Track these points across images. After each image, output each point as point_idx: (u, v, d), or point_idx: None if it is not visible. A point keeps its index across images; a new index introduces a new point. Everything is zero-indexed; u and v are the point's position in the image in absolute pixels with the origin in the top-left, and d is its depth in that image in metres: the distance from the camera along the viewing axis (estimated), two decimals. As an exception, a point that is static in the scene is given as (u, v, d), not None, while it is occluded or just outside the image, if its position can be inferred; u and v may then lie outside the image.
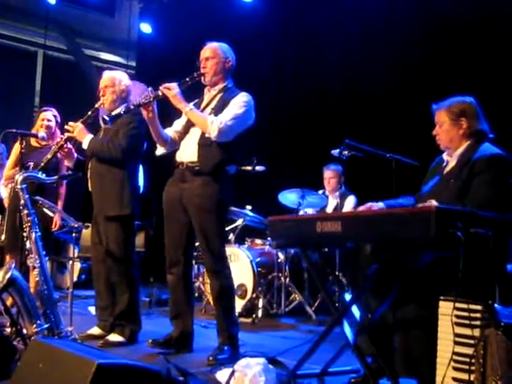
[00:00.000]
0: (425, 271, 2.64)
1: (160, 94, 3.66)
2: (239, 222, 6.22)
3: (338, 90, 7.11)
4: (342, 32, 6.99)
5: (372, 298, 2.92)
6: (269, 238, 5.76)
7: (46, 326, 3.30)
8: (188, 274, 3.92)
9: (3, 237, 4.86)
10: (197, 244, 3.88)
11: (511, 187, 2.83)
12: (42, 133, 4.90)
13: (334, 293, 4.89)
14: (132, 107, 3.79)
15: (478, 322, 2.21)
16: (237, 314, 5.32)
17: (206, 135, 3.66)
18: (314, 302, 5.74)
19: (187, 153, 3.77)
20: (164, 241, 3.92)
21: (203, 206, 3.68)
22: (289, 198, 5.88)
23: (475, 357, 2.17)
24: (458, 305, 2.27)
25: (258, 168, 5.94)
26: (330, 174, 6.16)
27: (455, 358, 2.25)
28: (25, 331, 3.25)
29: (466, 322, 2.23)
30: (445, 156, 3.11)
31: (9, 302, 3.67)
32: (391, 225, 2.49)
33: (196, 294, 6.20)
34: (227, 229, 6.35)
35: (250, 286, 5.63)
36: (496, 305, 2.22)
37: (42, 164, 4.06)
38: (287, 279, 5.69)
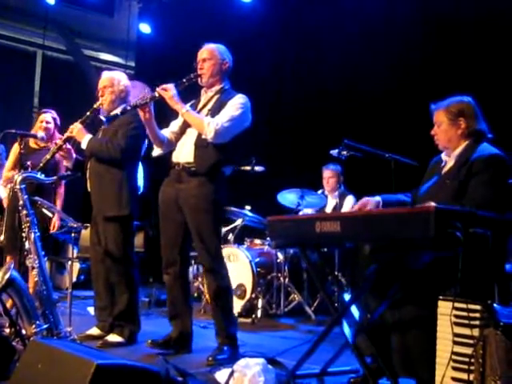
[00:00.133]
0: (424, 271, 2.65)
1: (157, 95, 3.67)
2: (238, 222, 6.22)
3: (337, 90, 7.11)
4: (342, 32, 6.99)
5: (371, 298, 2.92)
6: (268, 238, 5.76)
7: (45, 326, 3.30)
8: (184, 273, 3.91)
9: (2, 237, 4.86)
10: (194, 244, 3.87)
11: (509, 187, 2.83)
12: (41, 133, 4.90)
13: (333, 293, 4.89)
14: (129, 108, 3.80)
15: (477, 322, 2.21)
16: (236, 314, 5.35)
17: (203, 136, 3.66)
18: (313, 302, 5.74)
19: (183, 153, 3.77)
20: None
21: (199, 207, 3.68)
22: (288, 198, 5.89)
23: (474, 357, 2.17)
24: (457, 305, 2.27)
25: (257, 168, 5.95)
26: (328, 174, 6.16)
27: (454, 357, 2.25)
28: (24, 332, 3.25)
29: (465, 321, 2.23)
30: (443, 156, 3.11)
31: (8, 303, 3.67)
32: (390, 225, 2.49)
33: (195, 295, 6.21)
34: (226, 229, 6.37)
35: (249, 286, 5.63)
36: (495, 304, 2.21)
37: (41, 164, 4.06)
38: (286, 279, 5.69)
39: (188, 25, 8.31)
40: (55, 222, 5.05)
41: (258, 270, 5.77)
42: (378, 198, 3.10)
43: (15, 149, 5.22)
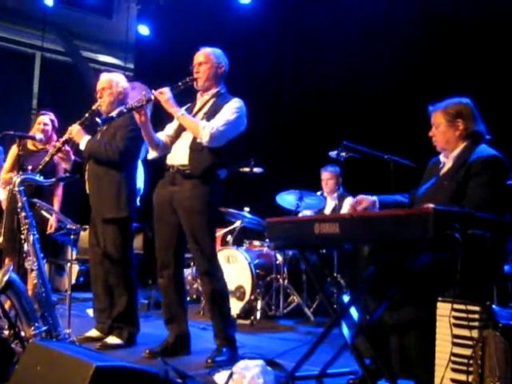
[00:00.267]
0: (423, 272, 2.65)
1: (152, 97, 3.67)
2: (237, 223, 6.22)
3: (336, 90, 7.11)
4: (341, 32, 6.98)
5: (370, 300, 2.92)
6: (267, 240, 5.76)
7: (44, 328, 3.30)
8: (179, 275, 3.91)
9: (1, 239, 4.86)
10: (188, 246, 3.87)
11: (507, 189, 2.83)
12: (39, 135, 4.91)
13: (332, 294, 4.87)
14: (125, 111, 3.80)
15: (476, 323, 2.21)
16: (235, 316, 5.36)
17: (198, 140, 3.66)
18: (312, 303, 5.74)
19: (178, 156, 3.78)
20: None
21: (193, 208, 3.68)
22: (287, 199, 5.88)
23: (473, 358, 2.17)
24: (456, 306, 2.27)
25: (255, 169, 5.94)
26: (327, 176, 6.15)
27: (453, 359, 2.25)
28: (23, 334, 3.25)
29: (464, 323, 2.23)
30: (441, 157, 3.11)
31: (7, 304, 3.67)
32: (389, 226, 2.50)
33: (194, 296, 6.21)
34: (225, 231, 6.37)
35: (248, 288, 5.63)
36: (494, 306, 2.22)
37: (40, 167, 4.06)
38: (285, 281, 5.69)
39: (187, 26, 8.31)
40: (52, 223, 5.05)
41: (257, 271, 5.77)
42: (374, 198, 3.10)
43: (13, 150, 5.22)
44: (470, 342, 2.20)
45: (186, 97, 3.93)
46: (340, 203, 5.97)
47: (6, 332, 3.32)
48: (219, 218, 4.44)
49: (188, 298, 5.37)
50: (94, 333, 4.19)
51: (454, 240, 2.32)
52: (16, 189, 3.54)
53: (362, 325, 2.87)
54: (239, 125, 3.77)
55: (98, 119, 3.88)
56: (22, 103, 9.70)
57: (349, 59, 6.96)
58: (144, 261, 5.84)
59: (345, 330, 2.89)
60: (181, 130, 3.83)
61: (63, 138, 4.10)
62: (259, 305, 5.57)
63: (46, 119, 5.29)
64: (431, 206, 2.36)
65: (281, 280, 5.67)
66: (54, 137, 5.25)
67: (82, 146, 4.07)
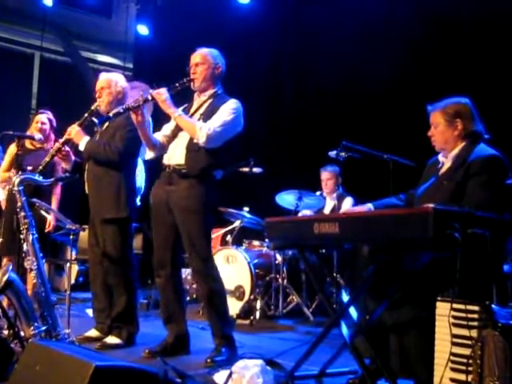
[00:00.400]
0: (422, 272, 2.65)
1: (150, 98, 3.67)
2: (237, 223, 6.22)
3: (335, 90, 7.11)
4: (341, 32, 6.98)
5: (370, 299, 2.92)
6: (266, 240, 5.76)
7: (44, 328, 3.30)
8: (177, 275, 3.91)
9: (0, 239, 4.85)
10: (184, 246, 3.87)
11: (507, 188, 2.83)
12: (38, 135, 4.91)
13: (331, 294, 4.89)
14: (121, 110, 3.80)
15: (475, 323, 2.21)
16: (234, 316, 5.36)
17: (195, 140, 3.66)
18: (311, 303, 5.74)
19: (175, 156, 3.78)
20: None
21: (189, 208, 3.68)
22: (286, 199, 5.89)
23: (473, 357, 2.17)
24: (456, 305, 2.27)
25: (255, 169, 5.95)
26: (327, 176, 6.16)
27: (453, 358, 2.25)
28: (22, 333, 3.25)
29: (464, 322, 2.23)
30: (440, 157, 3.11)
31: (5, 303, 3.66)
32: (389, 226, 2.49)
33: (194, 296, 6.21)
34: (225, 230, 6.37)
35: (247, 288, 5.63)
36: (493, 305, 2.22)
37: (41, 167, 4.05)
38: (285, 281, 5.69)
39: (186, 26, 8.31)
40: (50, 221, 5.05)
41: (257, 271, 5.77)
42: (369, 206, 3.11)
43: (11, 149, 5.22)
44: (470, 342, 2.20)
45: (183, 97, 3.93)
46: (339, 203, 5.97)
47: (6, 332, 3.32)
48: (215, 218, 4.44)
49: (188, 298, 5.38)
50: (93, 333, 4.19)
51: (454, 239, 2.33)
52: (15, 188, 3.54)
53: (362, 324, 2.87)
54: (236, 125, 3.77)
55: (94, 119, 3.89)
56: (21, 103, 9.69)
57: (348, 59, 6.96)
58: (143, 261, 5.84)
59: (344, 329, 2.90)
60: (177, 130, 3.83)
61: (63, 139, 4.10)
62: (258, 304, 5.57)
63: (44, 118, 5.29)
64: (431, 205, 2.36)
65: (280, 280, 5.67)
66: (52, 136, 5.26)
67: (82, 147, 4.07)
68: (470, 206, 2.62)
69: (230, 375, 2.84)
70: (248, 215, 6.04)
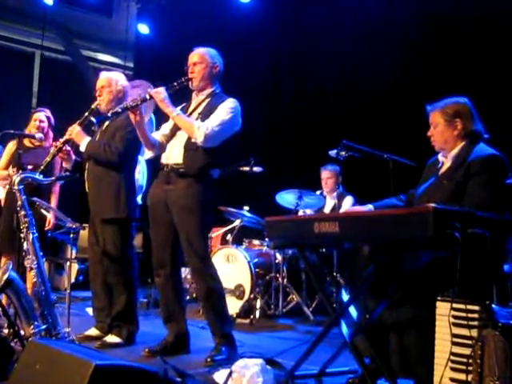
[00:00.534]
0: (422, 271, 2.65)
1: (148, 97, 3.67)
2: (237, 222, 6.22)
3: (336, 90, 7.11)
4: (341, 32, 6.98)
5: (370, 299, 2.92)
6: (266, 239, 5.76)
7: (44, 327, 3.30)
8: (176, 274, 3.91)
9: None
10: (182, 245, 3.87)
11: (507, 188, 2.83)
12: (39, 134, 4.91)
13: (331, 293, 4.90)
14: (120, 110, 3.80)
15: (475, 323, 2.21)
16: (234, 315, 5.36)
17: (192, 140, 3.66)
18: (311, 302, 5.74)
19: (173, 155, 3.78)
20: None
21: (187, 207, 3.69)
22: (286, 198, 5.89)
23: (473, 357, 2.17)
24: (456, 305, 2.27)
25: (255, 169, 5.96)
26: (327, 175, 6.16)
27: (453, 358, 2.25)
28: (22, 332, 3.25)
29: (464, 322, 2.23)
30: (440, 157, 3.11)
31: (3, 300, 3.67)
32: (389, 225, 2.49)
33: (194, 295, 6.20)
34: (225, 229, 6.37)
35: (247, 287, 5.63)
36: (493, 305, 2.22)
37: (42, 167, 4.05)
38: (285, 280, 5.69)
39: (186, 25, 8.31)
40: (50, 220, 5.05)
41: (257, 270, 5.77)
42: (369, 206, 3.11)
43: (10, 147, 5.22)
44: (470, 342, 2.20)
45: (181, 96, 3.93)
46: (340, 202, 5.98)
47: (6, 330, 3.32)
48: (214, 217, 4.45)
49: (187, 297, 5.38)
50: (93, 331, 4.19)
51: (454, 239, 2.32)
52: (15, 187, 3.54)
53: (362, 324, 2.88)
54: (234, 125, 3.77)
55: (92, 118, 3.89)
56: (22, 102, 9.68)
57: (348, 59, 6.95)
58: (143, 259, 5.84)
59: (344, 328, 2.90)
60: (176, 129, 3.83)
61: (64, 138, 4.10)
62: (258, 304, 5.57)
63: (42, 116, 5.28)
64: (431, 204, 2.36)
65: (280, 279, 5.68)
66: (51, 133, 5.25)
67: (83, 148, 4.07)
68: (470, 205, 2.63)
69: (230, 374, 2.84)
70: (248, 214, 6.04)
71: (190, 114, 3.83)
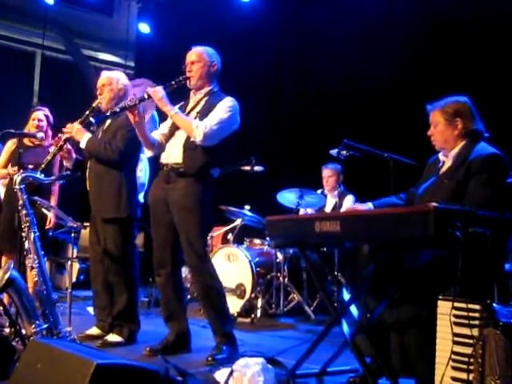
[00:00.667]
0: (423, 271, 2.65)
1: (146, 96, 3.67)
2: (238, 221, 6.22)
3: (336, 89, 7.11)
4: (342, 31, 6.98)
5: (370, 298, 2.92)
6: (267, 238, 5.76)
7: (45, 326, 3.30)
8: (177, 274, 3.91)
9: None
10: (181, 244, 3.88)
11: (508, 187, 2.83)
12: (40, 133, 4.91)
13: (332, 292, 4.90)
14: (118, 110, 3.80)
15: (476, 322, 2.21)
16: (235, 314, 5.37)
17: (191, 139, 3.67)
18: (312, 301, 5.74)
19: (172, 155, 3.78)
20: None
21: (186, 206, 3.69)
22: (287, 197, 5.89)
23: (474, 356, 2.17)
24: (457, 304, 2.27)
25: (256, 168, 5.96)
26: (328, 173, 6.16)
27: (454, 357, 2.25)
28: (24, 331, 3.25)
29: (465, 321, 2.23)
30: (440, 156, 3.10)
31: (5, 299, 3.67)
32: (390, 224, 2.49)
33: (194, 294, 6.20)
34: (226, 229, 6.37)
35: (248, 286, 5.63)
36: (494, 304, 2.22)
37: (43, 166, 4.06)
38: (286, 279, 5.70)
39: (187, 24, 8.31)
40: (51, 218, 5.05)
41: (258, 269, 5.77)
42: (369, 205, 3.11)
43: (9, 146, 5.23)
44: (471, 341, 2.20)
45: (179, 95, 3.93)
46: (340, 201, 5.98)
47: (7, 330, 3.32)
48: (214, 216, 4.44)
49: (188, 296, 5.38)
50: (94, 331, 4.19)
51: (455, 238, 2.32)
52: (17, 187, 3.54)
53: (363, 323, 2.87)
54: (232, 123, 3.77)
55: (91, 118, 3.89)
56: (23, 101, 9.68)
57: (349, 58, 6.95)
58: (144, 258, 5.85)
59: (345, 327, 2.90)
60: (174, 128, 3.83)
61: (64, 137, 4.10)
62: (259, 303, 5.58)
63: (41, 115, 5.28)
64: (432, 204, 2.36)
65: (281, 278, 5.68)
66: (50, 132, 5.25)
67: (83, 145, 4.07)
68: (471, 205, 2.62)
69: (230, 373, 2.84)
70: (249, 213, 6.05)
71: (189, 112, 3.83)
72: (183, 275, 4.20)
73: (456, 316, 2.27)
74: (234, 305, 5.50)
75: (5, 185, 5.31)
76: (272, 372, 2.85)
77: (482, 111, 3.08)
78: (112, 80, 4.24)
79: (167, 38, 9.02)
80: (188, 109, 3.87)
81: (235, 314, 5.42)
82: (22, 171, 3.79)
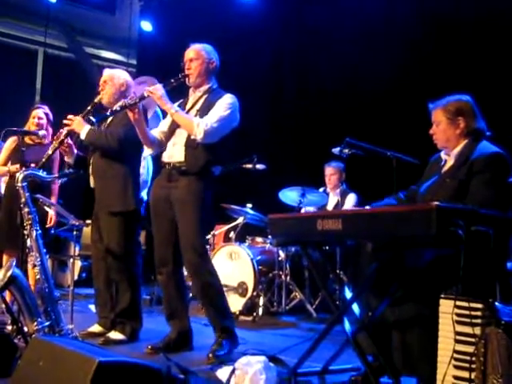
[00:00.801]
0: (425, 269, 2.64)
1: (146, 95, 3.67)
2: (240, 220, 6.22)
3: (338, 88, 7.11)
4: (343, 30, 6.98)
5: (372, 296, 2.92)
6: (269, 236, 5.76)
7: (47, 323, 3.30)
8: (178, 272, 3.91)
9: None
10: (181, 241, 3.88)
11: (510, 186, 2.82)
12: (43, 131, 4.91)
13: (334, 291, 4.90)
14: (118, 109, 3.80)
15: (478, 320, 2.21)
16: (237, 312, 5.37)
17: (192, 137, 3.66)
18: (314, 300, 5.75)
19: (174, 154, 3.78)
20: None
21: (188, 204, 3.69)
22: (289, 195, 5.89)
23: (476, 355, 2.17)
24: (459, 303, 2.27)
25: (258, 166, 5.96)
26: (330, 171, 6.16)
27: (456, 356, 2.25)
28: (25, 329, 3.25)
29: (467, 320, 2.23)
30: (442, 155, 3.10)
31: (7, 296, 3.67)
32: (392, 222, 2.49)
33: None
34: (228, 227, 6.37)
35: (250, 284, 5.63)
36: (497, 303, 2.21)
37: (44, 160, 4.06)
38: (288, 277, 5.70)
39: (189, 22, 8.31)
40: (52, 217, 5.05)
41: (260, 267, 5.77)
42: (366, 208, 3.10)
43: (9, 144, 5.22)
44: (473, 339, 2.20)
45: (179, 93, 3.93)
46: (343, 199, 5.98)
47: (9, 327, 3.33)
48: (216, 214, 4.45)
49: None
50: (96, 328, 4.20)
51: (457, 237, 2.32)
52: (19, 184, 3.54)
53: (365, 321, 2.87)
54: (232, 120, 3.77)
55: (92, 118, 3.89)
56: (25, 99, 9.68)
57: (351, 56, 6.95)
58: (146, 256, 5.85)
59: (347, 326, 2.90)
60: (174, 126, 3.83)
61: (65, 131, 4.08)
62: (261, 301, 5.58)
63: (41, 113, 5.28)
64: (434, 202, 2.35)
65: (283, 276, 5.68)
66: (50, 130, 5.25)
67: (83, 136, 4.05)
68: (473, 204, 2.62)
69: (232, 371, 2.84)
70: (251, 212, 6.04)
71: (188, 111, 3.83)
72: (185, 273, 4.19)
73: (458, 315, 2.27)
74: (236, 303, 5.51)
75: (5, 182, 5.31)
76: (274, 370, 2.85)
77: (484, 110, 3.07)
78: (113, 76, 4.26)
79: (169, 36, 9.01)
80: (188, 107, 3.87)
81: (237, 313, 5.43)
82: (24, 169, 3.79)
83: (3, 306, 3.42)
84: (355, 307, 2.94)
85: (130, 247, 4.12)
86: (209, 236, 6.07)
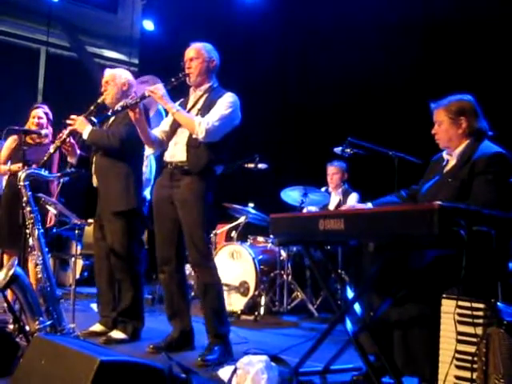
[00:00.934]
0: (427, 269, 2.64)
1: (147, 94, 3.67)
2: (242, 219, 6.23)
3: (340, 88, 7.10)
4: (347, 29, 6.98)
5: (374, 296, 2.92)
6: (271, 236, 5.76)
7: (49, 322, 3.31)
8: (180, 271, 3.90)
9: None
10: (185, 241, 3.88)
11: None
12: (45, 130, 4.92)
13: (336, 290, 4.89)
14: (120, 109, 3.80)
15: (480, 321, 2.21)
16: (239, 312, 5.37)
17: (194, 136, 3.66)
18: (316, 299, 5.74)
19: (176, 153, 3.77)
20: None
21: (190, 203, 3.69)
22: (291, 195, 5.89)
23: (478, 355, 2.17)
24: (461, 303, 2.26)
25: (260, 165, 5.95)
26: (333, 170, 6.15)
27: (458, 356, 2.25)
28: (27, 328, 3.26)
29: (469, 320, 2.23)
30: (444, 154, 3.09)
31: (9, 295, 3.68)
32: (394, 222, 2.49)
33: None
34: (230, 226, 6.37)
35: (252, 284, 5.64)
36: (498, 303, 2.21)
37: (45, 158, 4.07)
38: (289, 277, 5.70)
39: (191, 21, 8.31)
40: (51, 217, 5.05)
41: (261, 267, 5.77)
42: (369, 205, 3.10)
43: (10, 143, 5.23)
44: (475, 339, 2.20)
45: (179, 92, 3.93)
46: (345, 199, 5.98)
47: (11, 326, 3.33)
48: (219, 214, 4.45)
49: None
50: (98, 327, 4.21)
51: (459, 237, 2.32)
52: (21, 183, 3.55)
53: (366, 321, 2.87)
54: (233, 119, 3.77)
55: (93, 119, 3.89)
56: (27, 98, 9.70)
57: (354, 56, 6.95)
58: (148, 255, 5.86)
59: (349, 326, 2.90)
60: (176, 125, 3.82)
61: (67, 130, 4.09)
62: (263, 300, 5.58)
63: (41, 112, 5.28)
64: (437, 202, 2.35)
65: (285, 276, 5.68)
66: (50, 129, 5.26)
67: (85, 135, 4.05)
68: (475, 204, 2.61)
69: (234, 371, 2.84)
70: (253, 211, 6.05)
71: (189, 110, 3.83)
72: (187, 272, 4.19)
73: (460, 315, 2.27)
74: (238, 302, 5.51)
75: (6, 181, 5.31)
76: (275, 370, 2.85)
77: (486, 110, 3.07)
78: (115, 75, 4.26)
79: (171, 35, 9.01)
80: (189, 106, 3.87)
81: (238, 312, 5.43)
82: (26, 168, 3.80)
83: (5, 304, 3.43)
84: (357, 307, 2.94)
85: (132, 247, 4.13)
86: (210, 235, 6.06)
